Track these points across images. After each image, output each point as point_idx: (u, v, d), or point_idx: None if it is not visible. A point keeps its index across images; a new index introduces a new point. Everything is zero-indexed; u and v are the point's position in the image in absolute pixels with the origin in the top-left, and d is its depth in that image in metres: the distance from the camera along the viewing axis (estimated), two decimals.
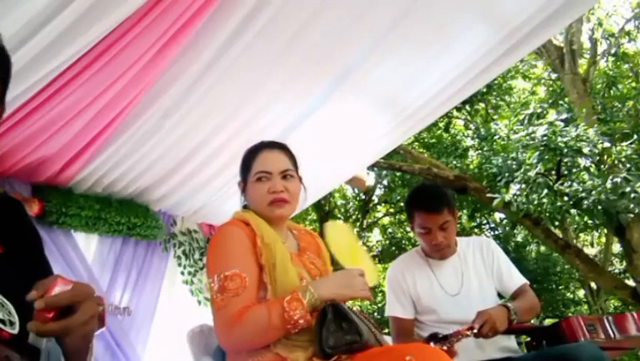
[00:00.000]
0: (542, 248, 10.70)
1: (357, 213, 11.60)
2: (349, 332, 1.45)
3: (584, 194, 5.70)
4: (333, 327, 1.45)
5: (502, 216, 9.39)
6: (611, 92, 8.57)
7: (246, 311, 1.46)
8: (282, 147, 1.76)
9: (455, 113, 9.58)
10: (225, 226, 1.66)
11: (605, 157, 6.48)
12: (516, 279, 2.29)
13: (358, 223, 11.45)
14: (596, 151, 6.00)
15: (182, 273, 3.34)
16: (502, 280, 2.27)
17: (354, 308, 1.56)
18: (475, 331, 1.94)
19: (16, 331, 0.92)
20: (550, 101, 8.94)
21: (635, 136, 6.65)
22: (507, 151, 6.71)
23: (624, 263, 9.25)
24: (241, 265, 1.53)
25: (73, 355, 0.86)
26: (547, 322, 2.31)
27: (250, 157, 1.74)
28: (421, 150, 9.73)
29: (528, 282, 2.31)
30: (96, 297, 0.84)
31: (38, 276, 1.07)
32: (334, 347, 1.43)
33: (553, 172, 6.23)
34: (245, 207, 1.76)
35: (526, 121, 6.64)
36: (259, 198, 1.68)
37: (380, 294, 11.59)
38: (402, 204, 8.63)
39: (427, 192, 2.34)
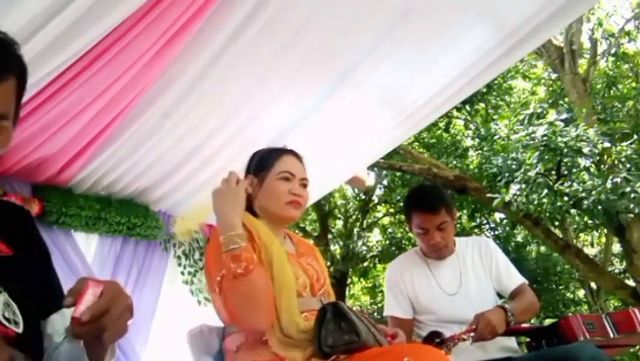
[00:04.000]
0: (542, 248, 10.69)
1: (357, 213, 11.60)
2: (348, 331, 1.45)
3: (584, 194, 5.70)
4: (332, 326, 1.46)
5: (502, 216, 9.39)
6: (611, 92, 8.56)
7: None
8: (301, 158, 1.82)
9: (455, 113, 9.57)
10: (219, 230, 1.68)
11: (605, 157, 6.48)
12: (514, 279, 2.29)
13: (358, 223, 11.45)
14: (596, 151, 6.00)
15: (182, 273, 3.34)
16: (500, 280, 2.27)
17: (354, 308, 1.57)
18: (473, 334, 1.94)
19: (20, 330, 0.94)
20: (550, 101, 8.94)
21: (635, 136, 6.66)
22: (507, 151, 6.70)
23: (624, 263, 9.24)
24: None
25: (105, 351, 0.93)
26: (547, 322, 2.31)
27: (273, 156, 1.77)
28: (421, 150, 9.73)
29: (527, 281, 2.31)
30: (125, 291, 0.90)
31: (46, 286, 1.10)
32: (332, 346, 1.43)
33: (553, 172, 6.23)
34: None
35: (526, 121, 6.64)
36: (278, 196, 1.70)
37: (380, 294, 11.60)
38: (402, 204, 8.63)
39: (425, 193, 2.35)
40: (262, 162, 1.77)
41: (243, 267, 1.44)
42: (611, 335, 2.05)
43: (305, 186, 1.76)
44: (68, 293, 0.86)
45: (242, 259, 1.45)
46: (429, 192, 2.37)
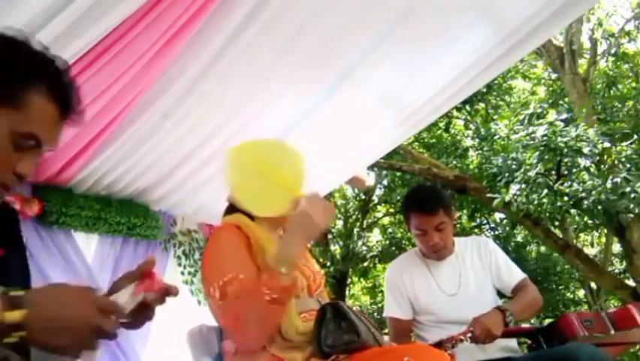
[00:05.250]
0: (542, 248, 10.69)
1: (357, 213, 11.60)
2: (348, 331, 1.45)
3: (584, 194, 5.70)
4: (331, 326, 1.45)
5: (502, 216, 9.39)
6: (611, 92, 8.57)
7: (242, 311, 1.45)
8: None
9: (455, 113, 9.57)
10: (217, 233, 1.67)
11: (605, 157, 6.48)
12: (515, 274, 2.29)
13: (358, 223, 11.45)
14: (596, 151, 6.00)
15: (182, 273, 3.34)
16: (501, 277, 2.27)
17: (354, 308, 1.56)
18: (470, 335, 1.94)
19: None
20: (550, 101, 8.94)
21: (635, 136, 6.66)
22: (507, 151, 6.71)
23: (624, 263, 9.24)
24: (237, 268, 1.51)
25: None
26: (547, 322, 2.31)
27: None
28: (421, 150, 9.73)
29: (527, 276, 2.31)
30: None
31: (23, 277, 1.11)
32: (332, 346, 1.43)
33: (553, 172, 6.23)
34: (230, 208, 1.73)
35: (526, 121, 6.64)
36: None
37: (380, 294, 11.60)
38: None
39: (423, 194, 2.34)
40: None
41: (283, 299, 1.42)
42: (611, 331, 2.04)
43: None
44: (135, 272, 1.03)
45: (289, 291, 1.44)
46: (426, 193, 2.36)
